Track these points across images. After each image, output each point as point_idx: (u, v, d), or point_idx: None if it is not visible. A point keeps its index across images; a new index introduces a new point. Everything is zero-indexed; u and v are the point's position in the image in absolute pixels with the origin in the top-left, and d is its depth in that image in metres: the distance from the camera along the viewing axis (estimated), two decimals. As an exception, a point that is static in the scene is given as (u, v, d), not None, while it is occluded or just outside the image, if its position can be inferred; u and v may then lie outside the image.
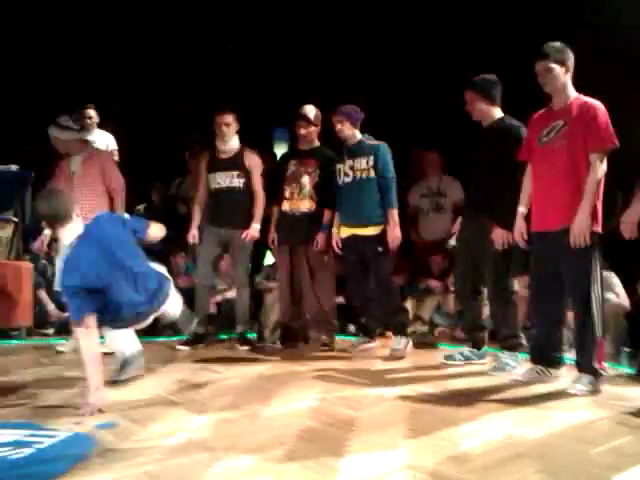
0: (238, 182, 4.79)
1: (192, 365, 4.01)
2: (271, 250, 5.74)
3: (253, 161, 4.85)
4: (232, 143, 4.83)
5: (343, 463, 2.12)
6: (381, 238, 4.32)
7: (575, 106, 3.27)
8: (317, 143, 4.81)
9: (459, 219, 4.13)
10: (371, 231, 4.35)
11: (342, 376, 3.61)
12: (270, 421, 2.66)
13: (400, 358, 4.18)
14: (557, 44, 3.31)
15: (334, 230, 4.58)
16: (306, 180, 4.69)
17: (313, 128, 4.72)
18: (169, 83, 8.73)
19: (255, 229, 4.76)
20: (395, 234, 4.28)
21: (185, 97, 8.86)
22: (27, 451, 2.22)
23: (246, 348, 4.67)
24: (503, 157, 3.67)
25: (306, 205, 4.67)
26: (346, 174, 4.45)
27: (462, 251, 4.03)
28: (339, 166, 4.50)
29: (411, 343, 4.39)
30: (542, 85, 3.33)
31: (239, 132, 4.89)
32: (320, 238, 4.60)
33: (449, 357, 4.01)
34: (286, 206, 4.75)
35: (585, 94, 3.32)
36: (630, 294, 4.28)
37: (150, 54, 8.28)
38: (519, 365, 3.68)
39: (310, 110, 4.71)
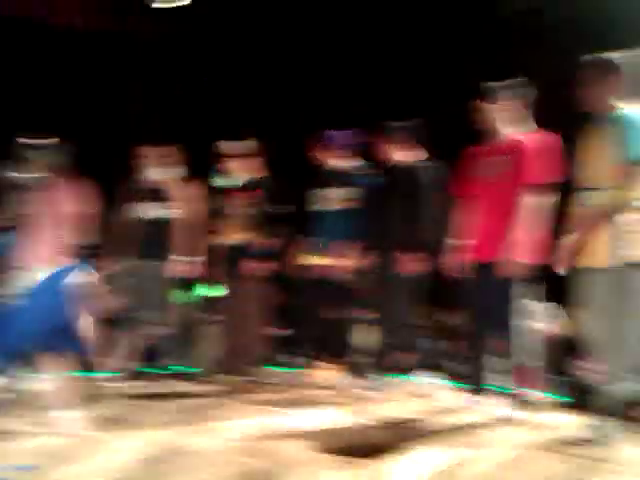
0: (164, 213, 4.69)
1: (121, 400, 3.87)
2: (210, 283, 5.69)
3: (181, 191, 4.75)
4: (159, 173, 4.74)
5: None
6: (346, 272, 4.33)
7: (510, 143, 3.37)
8: (256, 173, 4.79)
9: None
10: (339, 264, 4.33)
11: (278, 408, 3.55)
12: (204, 457, 2.58)
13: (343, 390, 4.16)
14: (499, 83, 3.43)
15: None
16: (243, 210, 4.67)
17: (248, 159, 4.71)
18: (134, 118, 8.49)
19: (181, 262, 4.67)
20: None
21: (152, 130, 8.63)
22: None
23: (176, 382, 4.55)
24: (417, 194, 3.95)
25: (246, 235, 4.64)
26: (321, 200, 4.46)
27: (380, 284, 4.16)
28: (316, 191, 4.50)
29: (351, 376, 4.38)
30: (480, 122, 3.45)
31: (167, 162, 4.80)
32: (257, 265, 4.55)
33: (367, 387, 4.09)
34: (225, 238, 4.71)
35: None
36: (560, 323, 4.39)
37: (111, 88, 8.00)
38: (444, 391, 3.83)
39: (241, 142, 4.73)
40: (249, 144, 4.75)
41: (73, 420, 3.09)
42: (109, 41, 7.95)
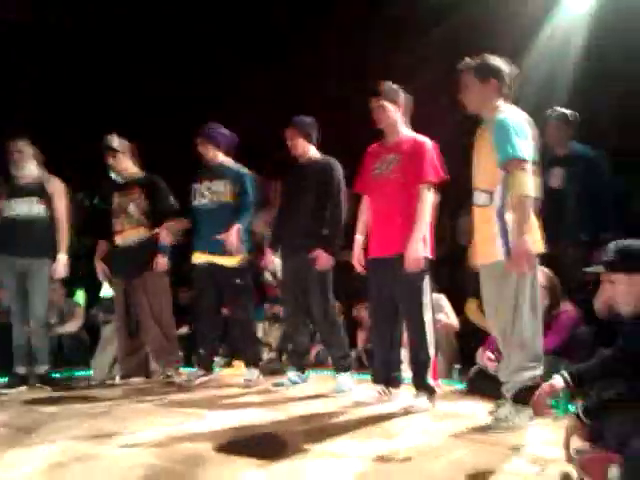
0: (38, 209, 4.50)
1: (20, 407, 3.68)
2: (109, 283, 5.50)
3: (56, 186, 4.59)
4: (30, 170, 4.55)
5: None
6: (240, 270, 4.27)
7: (406, 141, 3.49)
8: (135, 170, 4.67)
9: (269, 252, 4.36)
10: (230, 261, 4.26)
11: (188, 409, 3.50)
12: (113, 462, 2.50)
13: (250, 387, 4.14)
14: (391, 84, 3.54)
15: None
16: (132, 208, 4.54)
17: (121, 155, 4.58)
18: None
19: (62, 260, 4.51)
20: (229, 238, 4.16)
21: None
22: None
23: (49, 389, 4.38)
24: (324, 191, 3.98)
25: (139, 233, 4.51)
26: (202, 195, 4.34)
27: (287, 282, 4.19)
28: (195, 186, 4.39)
29: (260, 374, 4.39)
30: (376, 121, 3.54)
31: (37, 158, 4.61)
32: (159, 259, 4.44)
33: (277, 384, 4.12)
34: (118, 239, 4.55)
35: (416, 131, 3.57)
36: (458, 314, 4.61)
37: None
38: (355, 386, 3.87)
39: (112, 139, 4.58)
40: (123, 142, 4.63)
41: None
42: None
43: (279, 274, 4.38)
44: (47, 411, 3.54)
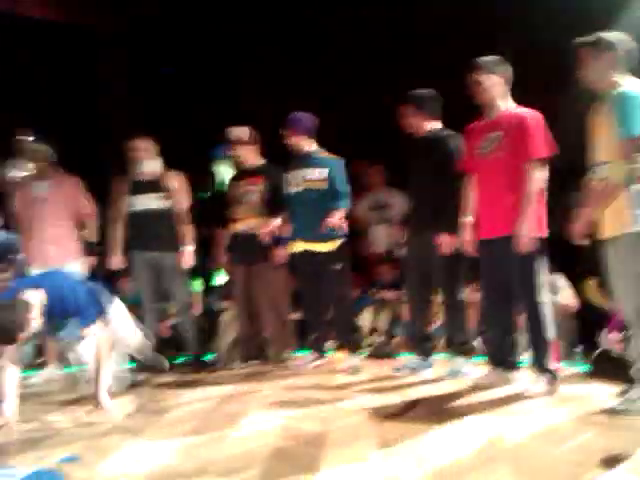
0: (160, 205, 4.66)
1: (151, 390, 3.91)
2: (223, 270, 5.70)
3: (176, 182, 4.72)
4: (153, 168, 4.70)
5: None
6: (338, 255, 4.29)
7: (510, 116, 3.36)
8: (260, 160, 4.77)
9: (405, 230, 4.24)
10: (328, 247, 4.28)
11: (305, 392, 3.59)
12: (239, 443, 2.61)
13: (356, 373, 4.16)
14: (490, 57, 3.43)
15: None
16: (254, 197, 4.67)
17: (248, 147, 4.68)
18: (106, 104, 8.57)
19: (189, 252, 4.68)
20: (334, 221, 4.13)
21: (123, 120, 8.73)
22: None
23: (202, 371, 4.59)
24: (443, 167, 3.79)
25: (258, 223, 4.64)
26: (296, 184, 4.38)
27: (410, 264, 4.10)
28: (288, 175, 4.43)
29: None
30: (474, 96, 3.44)
31: (161, 155, 4.77)
32: (279, 252, 4.53)
33: (398, 369, 4.08)
34: (237, 226, 4.71)
35: (519, 102, 3.44)
36: (577, 295, 4.43)
37: (83, 72, 8.08)
38: (472, 370, 3.78)
39: (241, 130, 4.67)
40: (246, 131, 4.70)
41: (111, 410, 3.15)
42: (74, 33, 7.95)
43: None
44: (176, 394, 3.76)
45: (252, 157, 4.73)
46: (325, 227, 4.12)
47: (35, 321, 2.89)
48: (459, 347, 3.92)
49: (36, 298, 2.94)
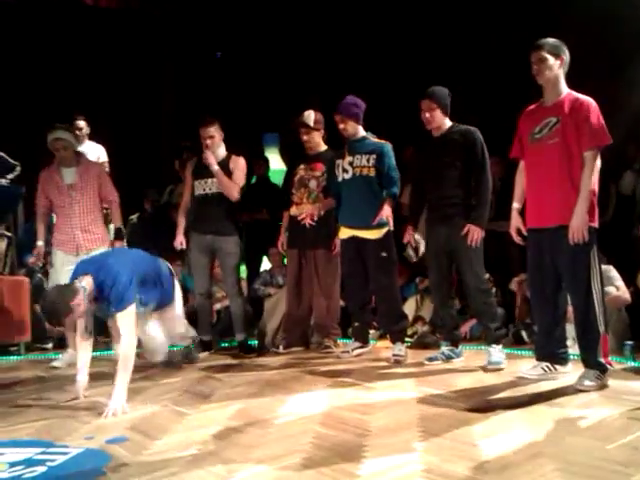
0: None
1: (196, 374, 3.98)
2: (267, 256, 5.74)
3: (237, 164, 4.74)
4: (219, 152, 4.74)
5: (361, 469, 2.11)
6: (384, 242, 4.26)
7: (567, 102, 3.26)
8: (323, 147, 4.78)
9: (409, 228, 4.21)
10: (374, 234, 4.26)
11: (348, 380, 3.61)
12: (282, 429, 2.64)
13: (401, 363, 4.16)
14: (552, 39, 3.31)
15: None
16: (314, 184, 4.67)
17: (315, 133, 4.69)
18: (157, 91, 8.75)
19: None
20: (387, 213, 4.11)
21: (173, 104, 8.89)
22: (40, 469, 2.20)
23: (249, 356, 4.65)
24: (469, 160, 3.84)
25: (313, 208, 4.62)
26: (345, 170, 4.34)
27: (433, 256, 4.07)
28: (338, 162, 4.41)
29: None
30: (535, 75, 3.32)
31: (225, 139, 4.81)
32: (336, 242, 4.56)
33: (431, 358, 4.07)
34: (295, 211, 4.73)
35: (573, 88, 3.33)
36: (630, 287, 4.30)
37: (139, 62, 8.29)
38: (505, 359, 3.79)
39: (309, 115, 4.67)
40: (319, 117, 4.71)
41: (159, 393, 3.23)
42: (135, 20, 8.11)
43: (422, 249, 4.28)
44: (220, 378, 3.82)
45: (316, 143, 4.74)
46: (378, 219, 4.12)
47: (80, 306, 3.01)
48: (492, 334, 3.89)
49: (83, 284, 3.06)
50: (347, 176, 4.34)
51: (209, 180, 4.68)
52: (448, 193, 3.91)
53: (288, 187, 4.83)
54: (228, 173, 4.68)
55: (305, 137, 4.69)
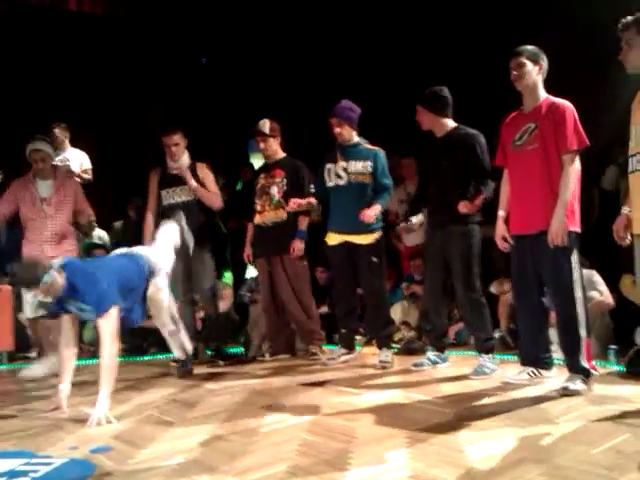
0: (191, 196, 4.70)
1: (182, 383, 3.96)
2: (253, 263, 5.72)
3: (205, 173, 4.77)
4: (183, 159, 4.74)
5: (347, 476, 2.11)
6: (375, 247, 4.27)
7: (545, 107, 3.29)
8: (281, 154, 4.80)
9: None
10: (366, 239, 4.26)
11: (335, 387, 3.61)
12: (268, 437, 2.63)
13: (387, 369, 4.15)
14: (532, 46, 3.35)
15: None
16: (274, 190, 4.68)
17: (272, 140, 4.71)
18: (142, 97, 8.70)
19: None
20: (370, 215, 4.12)
21: (159, 110, 8.85)
22: (23, 481, 2.17)
23: (223, 363, 4.63)
24: (468, 164, 3.82)
25: (277, 215, 4.65)
26: (339, 176, 4.34)
27: (430, 260, 4.09)
28: (329, 166, 4.38)
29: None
30: (514, 81, 3.35)
31: (188, 147, 4.81)
32: (296, 244, 4.58)
33: (417, 364, 4.07)
34: (258, 219, 4.74)
35: (553, 92, 3.35)
36: (613, 291, 4.33)
37: (124, 68, 8.24)
38: (497, 367, 3.77)
39: (264, 124, 4.70)
40: (274, 125, 4.74)
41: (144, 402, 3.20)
42: (120, 26, 8.08)
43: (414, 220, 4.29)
44: (206, 387, 3.80)
45: (273, 150, 4.75)
46: (361, 218, 4.11)
47: (52, 282, 3.04)
48: (482, 344, 3.88)
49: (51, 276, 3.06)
50: (341, 182, 4.33)
51: (177, 189, 4.69)
52: (446, 197, 3.88)
53: (251, 198, 4.83)
54: (196, 181, 4.69)
55: (262, 145, 4.72)
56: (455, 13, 6.31)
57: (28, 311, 4.45)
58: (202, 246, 4.68)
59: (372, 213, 4.12)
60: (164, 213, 4.70)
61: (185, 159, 4.76)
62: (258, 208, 4.73)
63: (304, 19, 7.39)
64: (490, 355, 3.85)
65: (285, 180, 4.67)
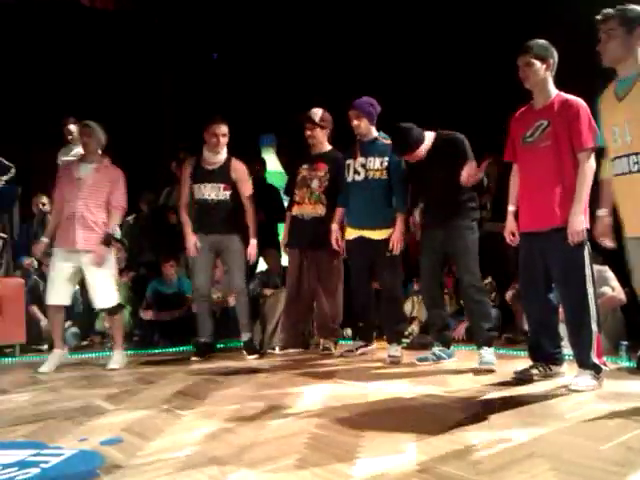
0: (224, 195, 4.70)
1: (191, 376, 3.97)
2: (263, 256, 5.74)
3: (240, 173, 4.77)
4: (222, 154, 4.75)
5: (354, 470, 2.10)
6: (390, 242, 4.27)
7: (557, 104, 3.26)
8: (327, 147, 4.78)
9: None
10: (381, 234, 4.27)
11: (344, 381, 3.61)
12: (276, 430, 2.63)
13: (397, 364, 4.16)
14: (540, 41, 3.32)
15: (333, 227, 4.52)
16: (316, 184, 4.67)
17: (319, 130, 4.68)
18: (155, 93, 8.74)
19: (253, 246, 4.75)
20: (399, 238, 4.22)
21: (171, 106, 8.88)
22: (34, 471, 2.18)
23: (254, 357, 4.64)
24: (457, 164, 3.84)
25: (316, 210, 4.64)
26: (357, 172, 4.36)
27: (426, 257, 4.09)
28: (349, 162, 4.41)
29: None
30: (522, 80, 3.33)
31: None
32: (332, 233, 4.53)
33: (422, 359, 4.08)
34: (296, 210, 4.73)
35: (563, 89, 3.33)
36: (625, 287, 4.29)
37: (136, 64, 8.28)
38: (495, 360, 3.78)
39: (316, 112, 4.68)
40: (327, 116, 4.72)
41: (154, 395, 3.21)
42: (132, 22, 8.09)
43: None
44: (215, 379, 3.82)
45: (319, 141, 4.72)
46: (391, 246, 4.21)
47: None
48: (483, 335, 3.88)
49: None
50: (359, 178, 4.35)
51: (208, 185, 4.68)
52: (443, 197, 3.94)
53: (291, 187, 4.82)
54: (227, 177, 4.69)
55: (308, 132, 4.68)
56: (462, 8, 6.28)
57: (53, 297, 4.43)
58: (233, 242, 4.69)
59: (396, 237, 4.22)
60: (196, 207, 4.73)
61: (224, 153, 4.75)
62: (297, 199, 4.73)
63: (316, 14, 7.37)
64: (491, 347, 3.85)
65: (328, 175, 4.65)
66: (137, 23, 8.42)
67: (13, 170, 6.16)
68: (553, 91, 3.32)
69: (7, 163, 6.16)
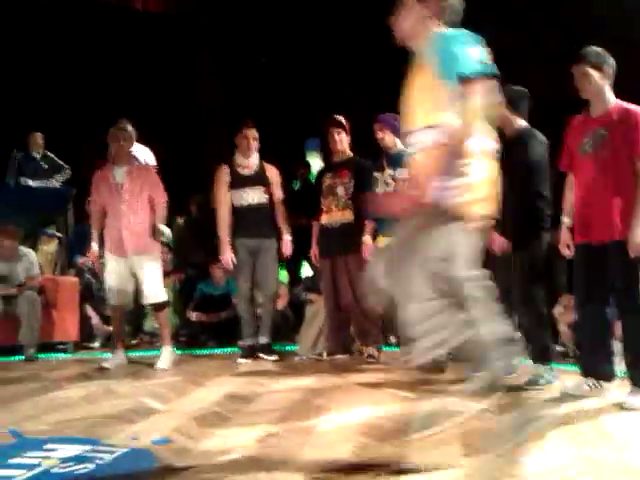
0: (265, 198, 4.80)
1: (238, 378, 4.03)
2: (308, 261, 5.78)
3: (274, 175, 4.87)
4: (254, 157, 4.83)
5: (401, 481, 2.11)
6: None
7: (615, 113, 3.18)
8: (349, 153, 4.83)
9: None
10: None
11: (390, 390, 3.61)
12: (323, 437, 2.65)
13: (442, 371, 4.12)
14: (596, 48, 3.25)
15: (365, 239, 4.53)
16: (341, 191, 4.70)
17: (344, 135, 4.75)
18: (202, 94, 8.87)
19: (287, 241, 4.84)
20: None
21: (219, 108, 9.00)
22: (90, 466, 2.26)
23: (272, 358, 4.71)
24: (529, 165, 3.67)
25: (344, 216, 4.67)
26: (386, 183, 4.39)
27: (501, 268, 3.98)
28: (377, 174, 4.45)
29: None
30: (579, 90, 3.27)
31: (269, 144, 4.94)
32: (365, 247, 4.55)
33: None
34: (324, 219, 4.77)
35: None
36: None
37: (181, 67, 8.42)
38: (553, 378, 3.65)
39: (341, 117, 4.78)
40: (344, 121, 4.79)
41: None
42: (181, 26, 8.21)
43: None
44: (262, 383, 3.86)
45: (344, 146, 4.78)
46: None
47: None
48: (539, 353, 3.78)
49: None
50: (389, 189, 4.37)
51: (249, 190, 4.76)
52: (516, 201, 3.81)
53: (316, 196, 4.87)
54: (264, 180, 4.78)
55: (337, 137, 4.73)
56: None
57: (114, 297, 4.57)
58: (271, 245, 4.78)
59: None
60: (237, 212, 4.81)
61: (257, 156, 4.83)
62: (324, 208, 4.78)
63: (362, 20, 7.38)
64: (548, 365, 3.75)
65: (352, 181, 4.68)
66: (187, 27, 8.57)
67: (68, 171, 6.37)
68: (611, 99, 3.24)
69: (62, 163, 6.37)
